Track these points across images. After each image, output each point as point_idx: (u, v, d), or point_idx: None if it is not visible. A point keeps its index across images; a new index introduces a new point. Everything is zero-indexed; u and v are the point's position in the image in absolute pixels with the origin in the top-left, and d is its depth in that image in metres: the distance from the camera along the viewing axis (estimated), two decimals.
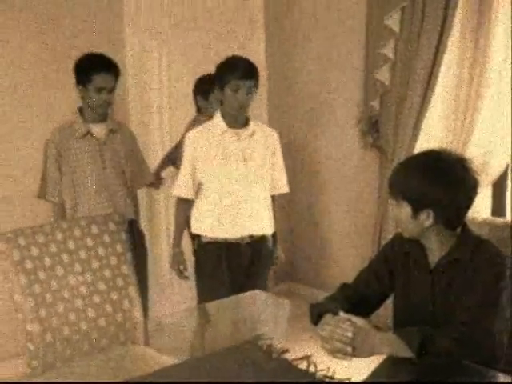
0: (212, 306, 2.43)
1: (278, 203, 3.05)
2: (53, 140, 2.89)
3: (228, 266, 2.79)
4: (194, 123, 3.29)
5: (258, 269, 2.86)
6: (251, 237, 2.80)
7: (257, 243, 2.83)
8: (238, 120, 2.75)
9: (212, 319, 2.38)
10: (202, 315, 2.38)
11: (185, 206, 2.86)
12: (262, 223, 2.84)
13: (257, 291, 2.51)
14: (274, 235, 2.94)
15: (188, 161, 2.77)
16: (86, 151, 2.90)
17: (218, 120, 2.76)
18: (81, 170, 2.91)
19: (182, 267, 2.87)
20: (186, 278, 2.90)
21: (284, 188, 2.96)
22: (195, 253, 2.89)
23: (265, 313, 2.42)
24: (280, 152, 2.90)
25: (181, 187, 2.81)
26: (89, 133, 2.91)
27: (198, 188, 2.81)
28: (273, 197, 2.93)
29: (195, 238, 2.87)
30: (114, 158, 2.96)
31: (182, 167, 2.80)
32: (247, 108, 2.73)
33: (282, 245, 3.06)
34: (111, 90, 2.87)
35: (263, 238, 2.86)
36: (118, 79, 2.92)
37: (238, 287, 2.70)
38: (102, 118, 2.95)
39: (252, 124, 2.79)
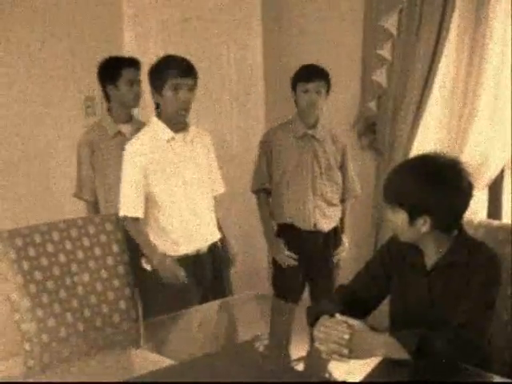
0: (209, 307, 2.44)
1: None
2: (85, 139, 2.98)
3: (195, 282, 2.61)
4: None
5: (221, 273, 2.74)
6: (209, 244, 2.69)
7: (213, 249, 2.71)
8: (180, 123, 2.58)
9: (209, 320, 2.38)
10: (199, 316, 2.38)
11: (137, 224, 2.58)
12: (214, 227, 2.71)
13: (252, 292, 2.51)
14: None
15: (133, 176, 2.53)
16: (118, 150, 2.90)
17: (158, 126, 2.57)
18: (112, 169, 2.93)
19: (180, 272, 2.55)
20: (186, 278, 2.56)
21: (222, 188, 2.82)
22: (151, 275, 2.61)
23: (260, 314, 2.43)
24: (214, 151, 2.77)
25: (130, 205, 2.54)
26: (119, 132, 2.98)
27: (147, 204, 2.58)
28: (214, 198, 2.77)
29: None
30: None
31: (125, 184, 2.55)
32: (189, 109, 2.55)
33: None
34: (138, 83, 2.99)
35: (216, 242, 2.73)
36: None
37: (207, 299, 2.59)
38: (129, 118, 3.04)
39: (192, 126, 2.65)
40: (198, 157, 2.65)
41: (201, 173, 2.64)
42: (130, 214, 2.54)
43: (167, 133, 2.56)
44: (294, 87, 3.08)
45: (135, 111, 3.16)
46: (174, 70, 2.48)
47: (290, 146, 3.08)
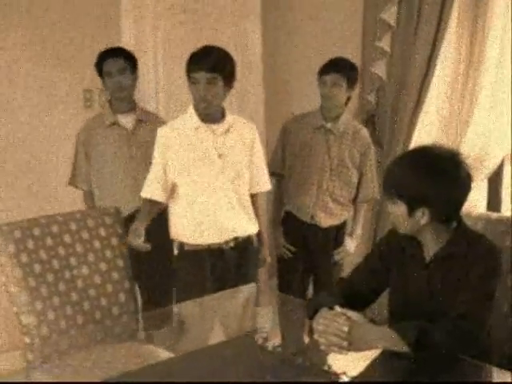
0: (208, 300, 2.43)
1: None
2: (83, 128, 3.01)
3: (214, 275, 2.60)
4: None
5: (246, 271, 2.68)
6: (235, 239, 2.62)
7: (242, 245, 2.64)
8: (211, 114, 2.55)
9: (208, 313, 2.38)
10: (199, 309, 2.38)
11: (152, 208, 2.62)
12: (244, 223, 2.64)
13: (252, 285, 2.51)
14: (258, 235, 2.72)
15: (159, 160, 2.57)
16: (114, 140, 2.96)
17: (190, 115, 2.56)
18: (107, 159, 2.96)
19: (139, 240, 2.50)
20: (147, 247, 2.51)
21: (265, 186, 2.75)
22: (175, 261, 2.65)
23: (260, 307, 2.43)
24: (260, 147, 2.70)
25: (150, 188, 2.60)
26: (116, 122, 2.98)
27: (172, 190, 2.60)
28: (254, 195, 2.72)
29: (175, 244, 2.65)
30: (142, 148, 2.96)
31: (152, 167, 2.60)
32: (212, 102, 2.50)
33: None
34: (122, 73, 2.94)
35: (248, 238, 2.67)
36: (134, 64, 2.99)
37: None
38: (130, 109, 3.02)
39: (228, 118, 2.58)
40: (229, 149, 2.57)
41: (228, 165, 2.56)
42: (148, 196, 2.60)
43: (194, 121, 2.55)
44: (318, 79, 3.07)
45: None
46: (190, 65, 2.49)
47: (305, 136, 3.07)
